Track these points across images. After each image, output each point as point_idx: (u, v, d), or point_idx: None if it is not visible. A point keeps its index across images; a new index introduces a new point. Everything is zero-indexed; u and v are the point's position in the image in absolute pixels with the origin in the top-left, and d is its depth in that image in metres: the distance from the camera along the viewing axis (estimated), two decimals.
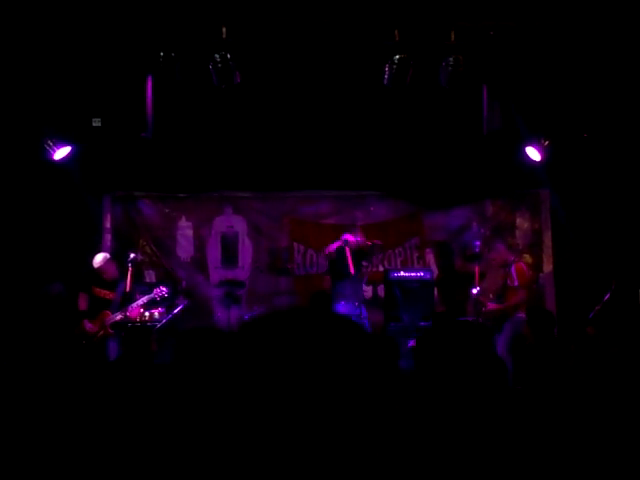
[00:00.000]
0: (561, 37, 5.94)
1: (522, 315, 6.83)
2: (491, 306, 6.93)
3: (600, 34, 5.89)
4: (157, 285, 7.88)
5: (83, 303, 6.61)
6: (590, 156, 7.42)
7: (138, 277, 7.60)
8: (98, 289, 6.64)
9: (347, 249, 6.78)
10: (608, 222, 7.70)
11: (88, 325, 6.48)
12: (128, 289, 6.59)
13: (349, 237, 6.90)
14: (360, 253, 7.08)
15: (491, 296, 7.20)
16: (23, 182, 7.15)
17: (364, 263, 7.32)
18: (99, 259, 6.67)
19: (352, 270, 6.75)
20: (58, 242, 7.46)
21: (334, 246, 6.97)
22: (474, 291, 6.98)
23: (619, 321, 6.54)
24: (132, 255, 6.74)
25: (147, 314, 7.29)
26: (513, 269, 6.83)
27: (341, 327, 0.82)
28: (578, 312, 7.11)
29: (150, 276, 8.25)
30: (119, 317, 6.52)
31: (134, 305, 6.70)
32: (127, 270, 6.64)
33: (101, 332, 6.53)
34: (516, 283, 6.78)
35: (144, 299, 6.79)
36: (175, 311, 7.39)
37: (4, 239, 7.11)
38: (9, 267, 7.11)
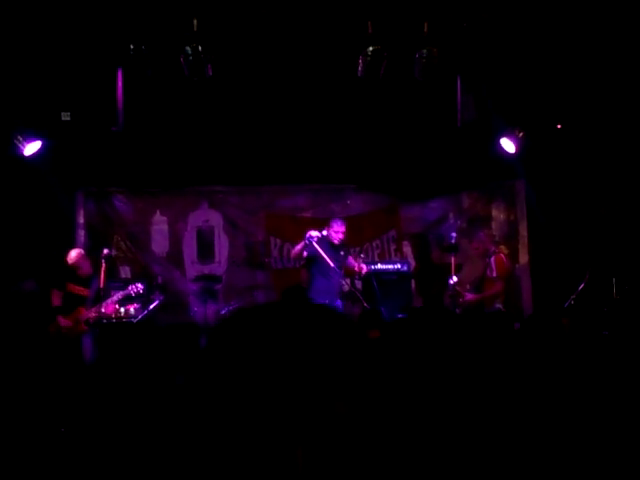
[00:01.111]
0: (535, 28, 5.95)
1: (499, 306, 6.87)
2: (469, 297, 6.95)
3: (573, 25, 5.91)
4: (132, 281, 7.79)
5: (56, 299, 6.51)
6: (564, 147, 7.47)
7: (112, 273, 7.51)
8: (72, 285, 6.55)
9: (315, 245, 6.64)
10: (582, 213, 7.77)
11: (63, 321, 6.40)
12: (102, 285, 6.50)
13: (311, 232, 6.74)
14: (333, 245, 6.98)
15: (468, 287, 7.23)
16: None
17: (342, 253, 7.25)
18: (73, 255, 6.58)
19: (332, 264, 6.68)
20: (30, 239, 7.34)
21: (298, 248, 6.80)
22: (451, 281, 6.99)
23: (594, 310, 6.62)
24: (105, 251, 6.63)
25: (122, 310, 7.21)
26: (493, 260, 6.85)
27: (317, 315, 0.82)
28: (554, 302, 7.17)
29: (125, 272, 8.17)
30: (93, 314, 6.44)
31: (109, 301, 6.62)
32: (100, 266, 6.55)
33: (76, 328, 6.46)
34: (495, 274, 6.80)
35: (119, 295, 6.72)
36: (151, 307, 7.32)
37: None
38: None
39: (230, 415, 0.74)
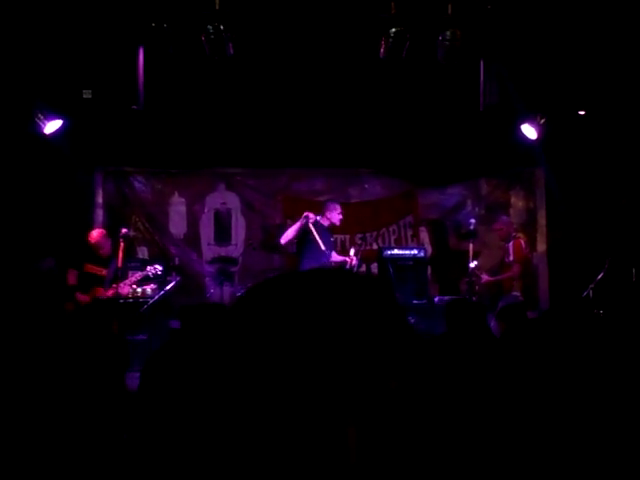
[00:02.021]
0: (559, 12, 5.85)
1: (517, 293, 6.83)
2: (485, 278, 6.94)
3: (597, 10, 5.81)
4: (151, 262, 7.83)
5: (72, 278, 6.53)
6: (586, 135, 7.37)
7: (130, 253, 7.55)
8: (90, 265, 6.56)
9: (311, 226, 6.71)
10: (602, 201, 7.68)
11: (81, 297, 6.42)
12: (120, 265, 6.53)
13: (309, 213, 6.80)
14: (325, 229, 7.01)
15: (478, 270, 7.20)
16: (13, 157, 7.05)
17: (332, 238, 7.30)
18: (95, 234, 6.60)
19: (323, 247, 6.69)
20: (49, 217, 7.38)
21: (296, 227, 6.83)
22: (472, 265, 6.97)
23: (613, 300, 6.56)
24: (124, 231, 6.65)
25: (139, 290, 7.25)
26: (511, 245, 6.85)
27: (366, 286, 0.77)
28: (571, 291, 7.12)
29: (143, 252, 8.20)
30: (110, 293, 6.47)
31: (126, 282, 6.66)
32: (119, 246, 6.57)
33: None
34: (511, 258, 6.79)
35: (137, 276, 6.75)
36: (167, 288, 7.35)
37: None
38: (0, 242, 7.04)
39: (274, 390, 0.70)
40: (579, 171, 7.77)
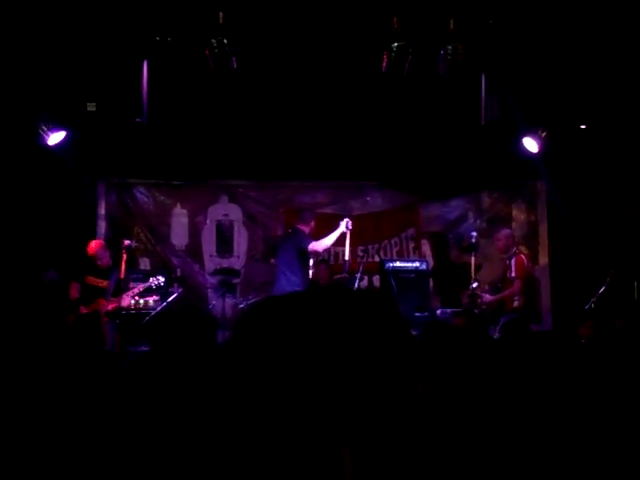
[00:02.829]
0: (560, 27, 5.89)
1: (519, 309, 6.78)
2: (486, 298, 6.90)
3: (599, 25, 5.84)
4: (153, 273, 7.83)
5: (74, 292, 6.51)
6: (587, 148, 7.40)
7: (132, 264, 7.55)
8: (91, 277, 6.53)
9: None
10: (604, 214, 7.69)
11: (83, 309, 6.39)
12: (122, 276, 6.52)
13: (348, 220, 6.77)
14: None
15: (487, 287, 7.18)
16: (16, 168, 7.09)
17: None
18: (94, 245, 6.59)
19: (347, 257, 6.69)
20: (52, 228, 7.40)
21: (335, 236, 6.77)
22: (474, 285, 6.94)
23: (615, 314, 6.53)
24: (126, 242, 6.65)
25: (142, 302, 7.26)
26: (513, 261, 6.80)
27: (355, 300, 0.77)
28: (573, 305, 7.11)
29: (145, 263, 8.22)
30: (112, 305, 6.45)
31: (129, 293, 6.66)
32: (121, 257, 6.57)
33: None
34: (513, 274, 6.75)
35: (140, 287, 6.74)
36: (170, 299, 7.36)
37: None
38: (2, 253, 7.06)
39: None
40: (581, 184, 7.79)
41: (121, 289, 6.59)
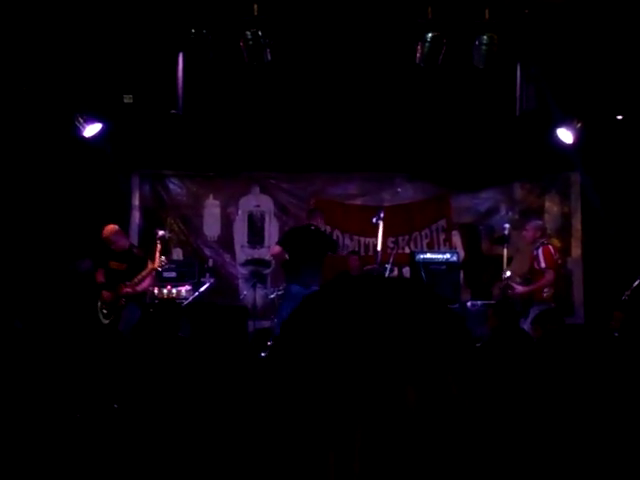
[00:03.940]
0: (596, 16, 5.80)
1: (550, 301, 6.73)
2: (518, 289, 6.85)
3: (636, 14, 5.74)
4: (184, 263, 7.95)
5: (100, 277, 6.57)
6: (622, 139, 7.28)
7: (165, 254, 7.63)
8: (112, 262, 6.54)
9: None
10: (639, 206, 7.57)
11: (105, 294, 6.45)
12: (157, 266, 6.59)
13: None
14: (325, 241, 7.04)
15: (518, 279, 7.13)
16: (53, 159, 7.22)
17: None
18: (106, 229, 6.47)
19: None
20: (87, 219, 7.52)
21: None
22: (507, 274, 6.89)
23: None
24: (160, 232, 6.74)
25: (174, 291, 7.36)
26: (540, 251, 6.73)
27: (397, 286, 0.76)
28: (606, 298, 7.02)
29: (177, 254, 8.32)
30: (129, 289, 6.34)
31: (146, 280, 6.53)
32: (155, 247, 6.65)
33: (116, 302, 6.45)
34: (543, 265, 6.68)
35: (148, 270, 6.49)
36: (201, 289, 7.45)
37: (34, 215, 7.20)
38: (40, 243, 7.21)
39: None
40: (615, 176, 7.67)
41: (156, 278, 6.66)
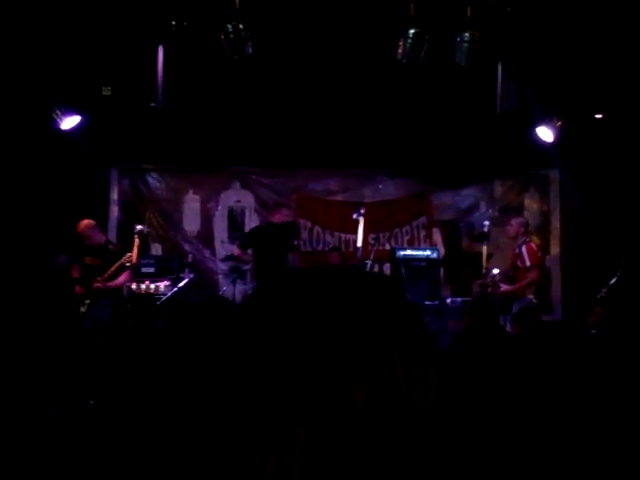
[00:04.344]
0: (577, 15, 5.84)
1: (531, 297, 6.78)
2: (504, 288, 6.87)
3: (616, 13, 5.79)
4: (163, 258, 7.88)
5: (76, 272, 6.47)
6: (602, 138, 7.35)
7: (144, 250, 7.56)
8: (87, 257, 6.44)
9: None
10: (617, 205, 7.65)
11: (77, 289, 6.35)
12: (134, 261, 6.52)
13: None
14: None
15: (499, 277, 7.16)
16: (30, 152, 7.10)
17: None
18: (80, 225, 6.36)
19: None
20: (64, 213, 7.41)
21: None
22: (495, 272, 6.92)
23: (626, 305, 6.52)
24: (139, 227, 6.65)
25: (152, 287, 7.29)
26: (524, 249, 6.76)
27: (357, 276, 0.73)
28: (584, 295, 7.09)
29: (157, 249, 8.24)
30: (99, 284, 6.22)
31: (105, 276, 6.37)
32: (133, 242, 6.57)
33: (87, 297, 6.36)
34: (528, 263, 6.71)
35: (112, 269, 6.33)
36: (180, 285, 7.39)
37: (10, 209, 7.08)
38: (15, 238, 7.09)
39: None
40: (594, 174, 7.74)
41: (134, 273, 6.58)
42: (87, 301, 6.30)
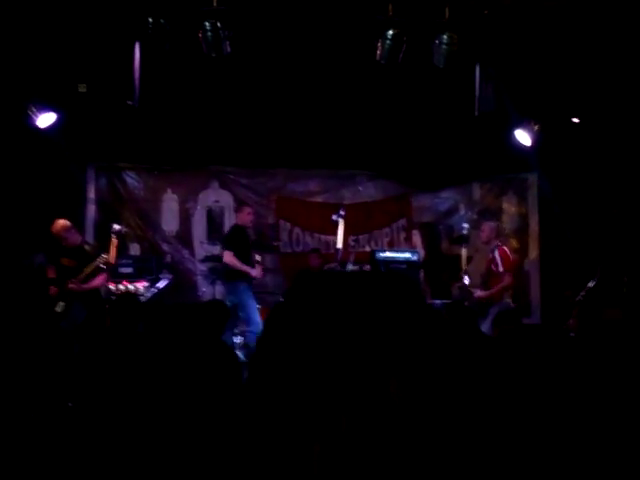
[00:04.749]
0: (555, 18, 5.88)
1: (509, 300, 6.77)
2: (478, 294, 6.87)
3: (593, 17, 5.83)
4: (141, 258, 7.80)
5: (51, 273, 6.36)
6: (579, 142, 7.40)
7: (122, 250, 7.48)
8: (63, 258, 6.35)
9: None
10: (595, 208, 7.71)
11: (52, 289, 6.25)
12: (112, 261, 6.43)
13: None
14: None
15: (477, 281, 7.14)
16: (6, 150, 7.01)
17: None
18: (56, 225, 6.23)
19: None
20: (40, 212, 7.32)
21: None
22: (465, 281, 6.92)
23: (603, 308, 6.55)
24: (116, 227, 6.55)
25: (131, 287, 7.21)
26: (497, 253, 6.75)
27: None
28: (563, 298, 7.13)
29: (134, 249, 8.17)
30: (72, 285, 6.11)
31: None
32: (110, 242, 6.48)
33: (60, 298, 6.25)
34: (501, 269, 6.70)
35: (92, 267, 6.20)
36: (159, 285, 7.33)
37: None
38: None
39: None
40: (572, 178, 7.80)
41: (111, 273, 6.49)
42: (61, 303, 6.20)
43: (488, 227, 6.89)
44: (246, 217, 6.91)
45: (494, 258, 6.69)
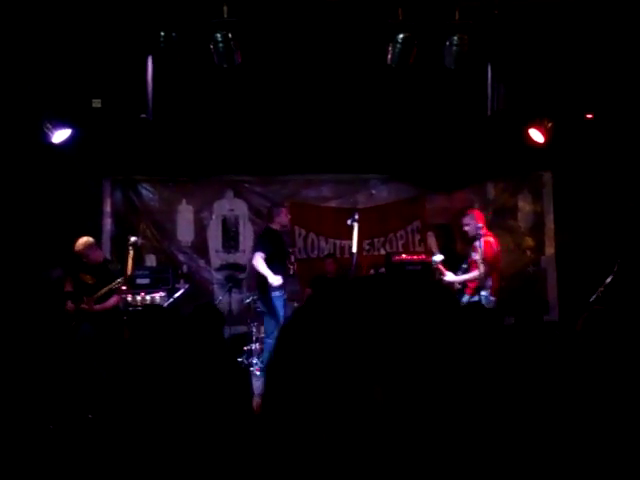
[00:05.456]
0: (566, 16, 5.85)
1: (491, 298, 6.54)
2: (449, 277, 6.71)
3: (606, 14, 5.81)
4: (158, 269, 7.84)
5: (68, 286, 6.37)
6: (593, 138, 7.37)
7: (139, 261, 7.54)
8: (82, 274, 6.36)
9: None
10: (611, 204, 7.67)
11: (68, 305, 6.25)
12: (129, 273, 6.47)
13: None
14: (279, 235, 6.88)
15: (443, 265, 6.92)
16: (22, 166, 7.07)
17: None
18: (78, 243, 6.24)
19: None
20: (58, 226, 7.39)
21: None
22: (437, 259, 6.81)
23: (621, 304, 6.50)
24: (133, 239, 6.60)
25: (148, 298, 7.26)
26: (480, 242, 6.55)
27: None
28: (580, 295, 7.09)
29: (151, 260, 8.22)
30: (85, 306, 6.13)
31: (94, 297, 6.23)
32: (127, 254, 6.52)
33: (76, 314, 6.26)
34: (476, 257, 6.51)
35: (103, 291, 6.23)
36: (176, 295, 7.37)
37: (3, 223, 7.04)
38: (9, 251, 7.06)
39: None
40: (587, 174, 7.76)
41: (129, 286, 6.52)
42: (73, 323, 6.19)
43: (468, 218, 6.75)
44: (284, 218, 6.85)
45: (477, 247, 6.53)
